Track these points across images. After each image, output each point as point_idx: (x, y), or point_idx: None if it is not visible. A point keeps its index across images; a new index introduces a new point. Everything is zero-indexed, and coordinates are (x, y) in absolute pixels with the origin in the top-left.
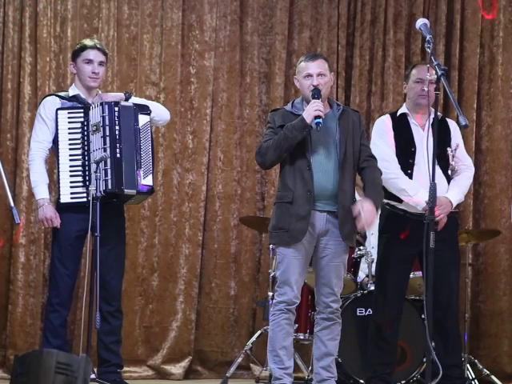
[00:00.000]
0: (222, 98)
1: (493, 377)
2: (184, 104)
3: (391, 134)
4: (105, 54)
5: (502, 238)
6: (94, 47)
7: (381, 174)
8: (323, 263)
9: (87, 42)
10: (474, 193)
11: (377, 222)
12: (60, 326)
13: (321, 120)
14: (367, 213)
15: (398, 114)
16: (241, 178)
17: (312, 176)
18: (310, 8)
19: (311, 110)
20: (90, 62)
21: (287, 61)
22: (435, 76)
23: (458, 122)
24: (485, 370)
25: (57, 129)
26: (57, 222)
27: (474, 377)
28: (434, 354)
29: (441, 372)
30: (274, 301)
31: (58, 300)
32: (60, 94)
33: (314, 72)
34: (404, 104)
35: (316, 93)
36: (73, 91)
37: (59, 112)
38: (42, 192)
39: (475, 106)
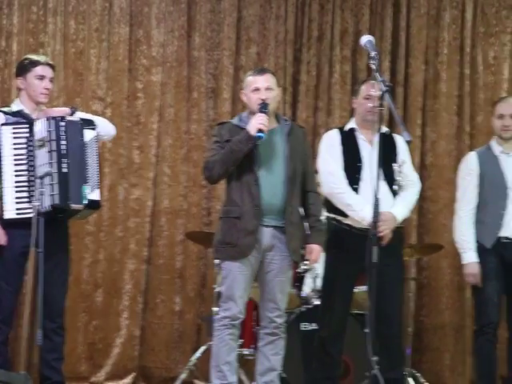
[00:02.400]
0: (169, 113)
1: None
2: (131, 119)
3: (339, 148)
4: (54, 70)
5: (445, 253)
6: (46, 63)
7: (322, 199)
8: (268, 278)
9: (36, 57)
10: (418, 208)
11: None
12: (2, 343)
13: (263, 134)
14: (318, 255)
15: (346, 128)
16: (187, 193)
17: (259, 191)
18: (257, 24)
19: (255, 123)
20: (42, 78)
21: (235, 76)
22: (380, 92)
23: None
24: (427, 383)
25: (0, 144)
26: (3, 240)
27: None
28: (377, 368)
29: None
30: (219, 316)
31: (0, 317)
32: (3, 109)
33: (261, 86)
34: (352, 119)
35: (263, 107)
36: (16, 106)
37: (3, 127)
38: None
39: (420, 121)
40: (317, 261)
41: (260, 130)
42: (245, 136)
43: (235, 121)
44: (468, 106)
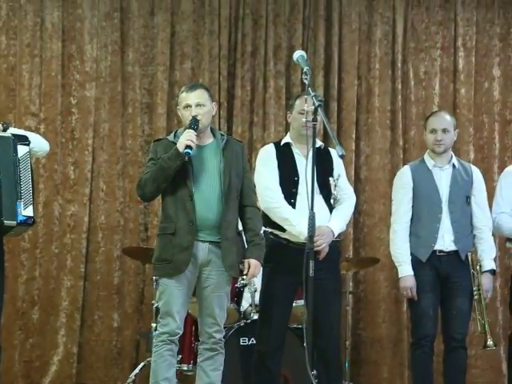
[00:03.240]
0: (103, 129)
1: None
2: (65, 134)
3: (275, 163)
4: None
5: (381, 266)
6: None
7: (259, 211)
8: (206, 293)
9: None
10: (353, 221)
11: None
12: None
13: (190, 150)
14: (255, 269)
15: (282, 143)
16: (124, 209)
17: (194, 206)
18: (190, 39)
19: (183, 140)
20: None
21: (169, 91)
22: (313, 107)
23: None
24: None
25: None
26: None
27: None
28: (315, 382)
29: None
30: (157, 332)
31: None
32: None
33: (192, 102)
34: (288, 133)
35: (193, 123)
36: None
37: None
38: None
39: (354, 136)
40: (254, 275)
41: (188, 147)
42: (174, 153)
43: (171, 137)
44: (401, 121)
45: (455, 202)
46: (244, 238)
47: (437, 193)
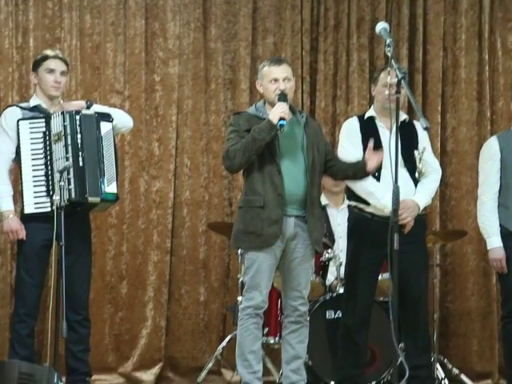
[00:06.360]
0: (187, 105)
1: (462, 376)
2: (149, 112)
3: (359, 136)
4: (66, 64)
5: (468, 239)
6: (55, 57)
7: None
8: (292, 267)
9: (48, 51)
10: (440, 194)
11: (345, 225)
12: (27, 336)
13: (285, 122)
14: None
15: (366, 116)
16: (208, 184)
17: (282, 180)
18: (273, 14)
19: (277, 112)
20: (51, 71)
21: (252, 67)
22: (396, 79)
23: None
24: (454, 369)
25: (18, 139)
26: (22, 234)
27: (443, 376)
28: (402, 355)
29: (407, 373)
30: (242, 305)
31: (25, 310)
32: (21, 104)
33: (280, 77)
34: (372, 106)
35: (283, 97)
36: (34, 101)
37: (20, 123)
38: (6, 204)
39: (439, 108)
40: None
41: (282, 119)
42: (267, 125)
43: (251, 110)
44: (488, 92)
45: None
46: (328, 212)
47: None
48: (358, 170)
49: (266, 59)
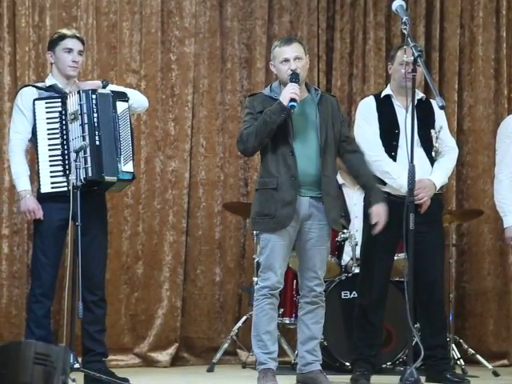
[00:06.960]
0: (203, 85)
1: (478, 356)
2: (165, 91)
3: (375, 115)
4: (83, 43)
5: (485, 218)
6: (73, 36)
7: (364, 158)
8: (307, 247)
9: (65, 31)
10: (456, 173)
11: (361, 205)
12: (43, 316)
13: (295, 103)
14: (384, 216)
15: (382, 95)
16: (224, 164)
17: (295, 161)
18: None
19: (287, 93)
20: (70, 51)
21: (268, 45)
22: (412, 57)
23: None
24: (470, 349)
25: (35, 119)
26: (39, 214)
27: (459, 356)
28: (418, 335)
29: (422, 353)
30: (258, 286)
31: (41, 290)
32: (37, 84)
33: (290, 56)
34: (388, 85)
35: (294, 77)
36: (50, 81)
37: (36, 102)
38: (23, 183)
39: (456, 86)
40: (383, 220)
41: (292, 100)
42: (277, 107)
43: (266, 91)
44: (505, 70)
45: None
46: (344, 191)
47: None
48: (365, 193)
49: (277, 39)
